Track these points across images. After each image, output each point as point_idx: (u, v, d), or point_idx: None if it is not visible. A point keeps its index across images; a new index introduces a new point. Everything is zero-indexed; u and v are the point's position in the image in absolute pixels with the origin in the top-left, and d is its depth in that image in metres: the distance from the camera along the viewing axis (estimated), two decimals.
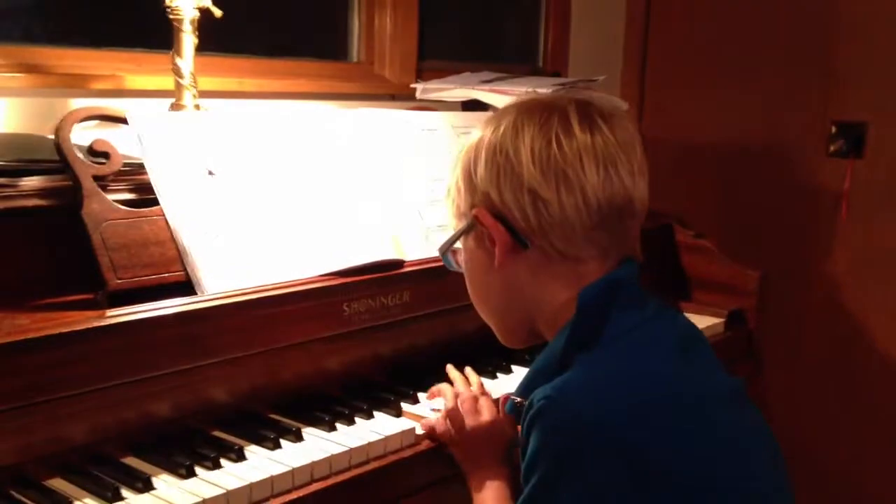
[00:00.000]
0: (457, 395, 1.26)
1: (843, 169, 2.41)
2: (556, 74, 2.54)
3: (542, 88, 1.92)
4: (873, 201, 2.38)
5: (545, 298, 1.03)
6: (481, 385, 1.35)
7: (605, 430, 0.89)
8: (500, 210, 1.01)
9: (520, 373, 1.52)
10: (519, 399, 1.00)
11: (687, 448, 0.91)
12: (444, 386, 1.31)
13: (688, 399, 0.95)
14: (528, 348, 1.55)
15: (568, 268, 1.01)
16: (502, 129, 1.01)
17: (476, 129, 1.07)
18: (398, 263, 1.44)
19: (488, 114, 1.80)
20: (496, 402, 1.26)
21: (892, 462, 2.37)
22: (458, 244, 1.11)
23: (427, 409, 1.32)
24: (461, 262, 1.12)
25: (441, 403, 1.30)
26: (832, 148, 2.44)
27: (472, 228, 1.05)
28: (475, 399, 1.24)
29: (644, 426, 0.90)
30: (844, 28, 2.39)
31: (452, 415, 1.22)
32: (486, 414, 1.22)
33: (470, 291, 1.12)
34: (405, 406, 1.34)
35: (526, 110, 1.02)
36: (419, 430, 1.26)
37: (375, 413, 1.30)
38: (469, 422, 1.21)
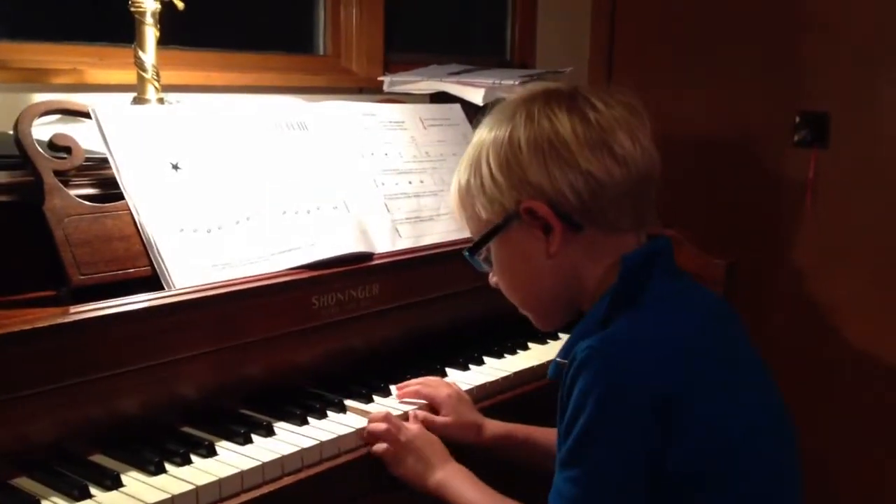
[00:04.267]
0: (384, 416, 1.24)
1: (807, 158, 2.44)
2: (524, 66, 2.55)
3: (510, 80, 1.92)
4: (837, 190, 2.41)
5: (594, 273, 1.04)
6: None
7: (647, 381, 0.92)
8: (552, 197, 1.01)
9: (491, 364, 1.52)
10: (562, 360, 1.01)
11: (718, 409, 0.95)
12: (371, 414, 1.26)
13: (724, 367, 0.99)
14: (497, 342, 1.58)
15: (613, 240, 1.03)
16: (535, 119, 1.02)
17: (493, 126, 1.06)
18: (367, 256, 1.44)
19: (455, 106, 1.82)
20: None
21: (860, 448, 2.41)
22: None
23: (396, 403, 1.33)
24: (489, 260, 1.11)
25: (404, 406, 1.32)
26: (796, 138, 2.46)
27: (511, 221, 1.04)
28: (398, 420, 1.24)
29: (682, 382, 0.93)
30: (809, 18, 2.42)
31: (386, 433, 1.21)
32: (414, 424, 1.23)
33: (511, 284, 1.11)
34: (377, 399, 1.33)
35: (549, 98, 1.04)
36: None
37: (347, 406, 1.29)
38: (404, 433, 1.21)
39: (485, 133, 1.07)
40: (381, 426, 1.21)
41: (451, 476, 1.17)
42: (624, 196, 1.01)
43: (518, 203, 1.03)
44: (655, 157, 1.05)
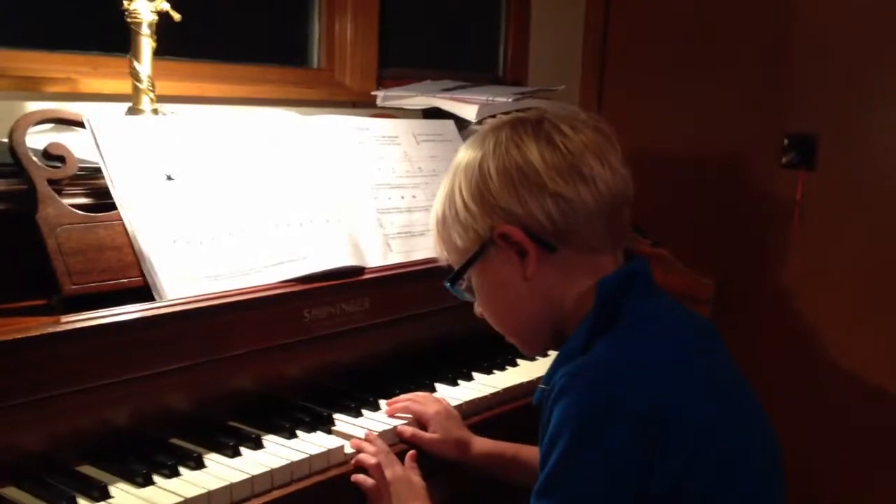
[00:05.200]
0: (377, 450, 1.23)
1: (795, 180, 2.47)
2: (517, 83, 2.57)
3: (503, 97, 1.94)
4: (825, 212, 2.43)
5: (570, 294, 1.05)
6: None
7: (623, 402, 0.92)
8: (524, 221, 1.03)
9: (480, 380, 1.53)
10: (545, 386, 1.02)
11: (693, 421, 0.95)
12: (362, 444, 1.25)
13: (704, 383, 0.99)
14: (486, 357, 1.58)
15: (589, 260, 1.05)
16: (503, 147, 1.05)
17: (464, 157, 1.08)
18: (358, 270, 1.44)
19: (449, 122, 1.83)
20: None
21: (846, 465, 2.42)
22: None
23: (385, 418, 1.33)
24: (471, 288, 1.12)
25: (393, 421, 1.32)
26: (784, 159, 2.49)
27: (488, 248, 1.06)
28: (388, 452, 1.23)
29: (660, 401, 0.93)
30: (798, 42, 2.45)
31: (374, 468, 1.20)
32: (399, 465, 1.23)
33: (494, 311, 1.12)
34: (366, 413, 1.34)
35: (515, 126, 1.06)
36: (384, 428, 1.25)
37: (336, 420, 1.29)
38: (388, 473, 1.20)
39: (457, 165, 1.09)
40: (372, 460, 1.20)
41: None
42: (596, 217, 1.03)
43: (492, 229, 1.04)
44: (627, 179, 1.06)
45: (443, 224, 1.11)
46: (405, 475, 1.21)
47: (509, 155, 1.04)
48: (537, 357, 1.64)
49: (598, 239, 1.04)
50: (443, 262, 1.15)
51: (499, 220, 1.04)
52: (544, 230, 1.02)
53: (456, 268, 1.10)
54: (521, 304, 1.08)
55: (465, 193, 1.06)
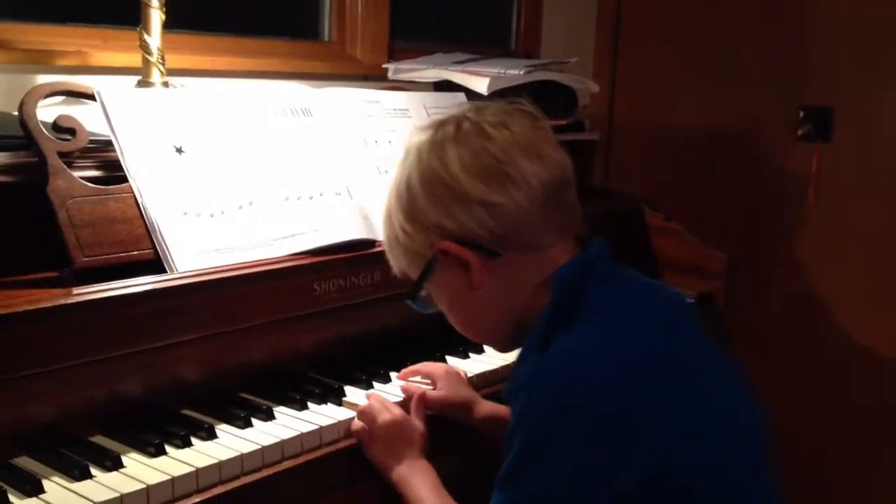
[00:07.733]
0: (373, 396, 1.24)
1: (810, 153, 2.44)
2: (529, 56, 2.55)
3: (515, 70, 1.92)
4: (840, 185, 2.41)
5: (524, 293, 1.04)
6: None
7: (583, 402, 0.90)
8: (458, 233, 1.01)
9: (491, 352, 1.53)
10: (510, 385, 1.02)
11: (667, 414, 0.92)
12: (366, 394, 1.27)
13: (673, 364, 0.96)
14: None
15: (538, 256, 1.03)
16: (425, 157, 1.03)
17: (395, 173, 1.08)
18: (369, 243, 1.44)
19: (460, 95, 1.82)
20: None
21: (857, 445, 2.42)
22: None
23: (395, 390, 1.33)
24: (432, 301, 1.12)
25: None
26: (800, 132, 2.46)
27: (435, 264, 1.05)
28: (387, 402, 1.22)
29: (624, 400, 0.90)
30: (813, 13, 2.41)
31: (364, 412, 1.20)
32: (397, 410, 1.21)
33: (455, 320, 1.12)
34: (376, 385, 1.34)
35: (436, 130, 1.04)
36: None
37: (347, 392, 1.30)
38: (380, 418, 1.18)
39: (391, 182, 1.09)
40: (363, 404, 1.21)
41: (413, 472, 1.14)
42: (533, 213, 1.01)
43: (431, 246, 1.04)
44: (562, 161, 1.04)
45: (387, 246, 1.11)
46: (400, 420, 1.19)
47: (431, 168, 1.02)
48: None
49: (541, 235, 1.02)
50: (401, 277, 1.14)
51: (435, 236, 1.03)
52: (481, 238, 1.01)
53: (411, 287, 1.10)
54: (479, 313, 1.08)
55: (399, 215, 1.06)
